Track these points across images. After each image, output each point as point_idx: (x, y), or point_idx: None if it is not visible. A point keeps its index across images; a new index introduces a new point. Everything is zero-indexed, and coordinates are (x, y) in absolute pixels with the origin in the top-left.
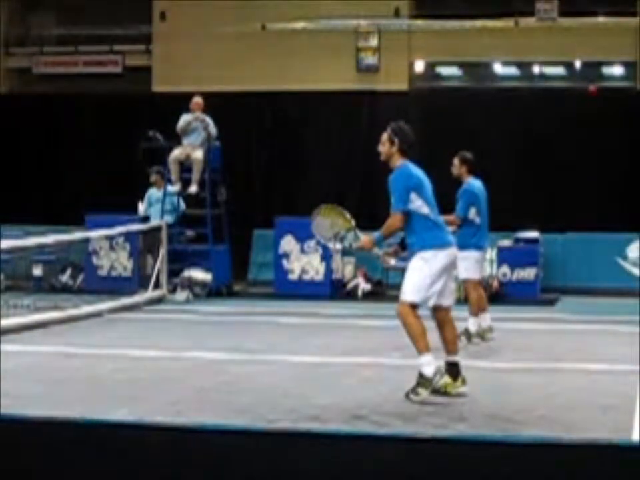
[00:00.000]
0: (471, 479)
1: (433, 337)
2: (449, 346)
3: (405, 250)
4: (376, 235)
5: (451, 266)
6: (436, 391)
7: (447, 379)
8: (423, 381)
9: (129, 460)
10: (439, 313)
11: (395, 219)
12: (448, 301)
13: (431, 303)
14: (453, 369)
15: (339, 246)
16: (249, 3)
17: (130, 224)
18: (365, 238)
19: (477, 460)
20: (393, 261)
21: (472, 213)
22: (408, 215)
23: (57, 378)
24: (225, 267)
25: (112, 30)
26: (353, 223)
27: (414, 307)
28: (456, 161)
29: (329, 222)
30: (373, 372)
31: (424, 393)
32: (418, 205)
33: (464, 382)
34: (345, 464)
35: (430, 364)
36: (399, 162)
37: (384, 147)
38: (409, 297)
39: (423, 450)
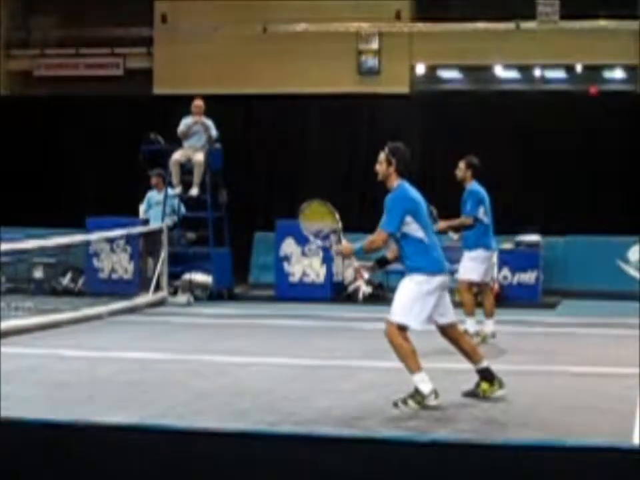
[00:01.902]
0: None
1: (434, 341)
2: (472, 357)
3: (381, 267)
4: (357, 246)
5: (443, 289)
6: (474, 395)
7: (484, 385)
8: (417, 395)
9: (129, 463)
10: (444, 330)
11: (379, 237)
12: (447, 318)
13: (419, 326)
14: (486, 375)
15: (319, 243)
16: (250, 5)
17: (131, 226)
18: (345, 244)
19: (478, 463)
20: (366, 275)
21: (481, 212)
22: (403, 237)
23: (57, 380)
24: (225, 269)
25: (113, 32)
26: (340, 225)
27: (402, 328)
28: (462, 165)
29: (319, 218)
30: (374, 375)
31: (413, 406)
32: (413, 228)
33: (501, 385)
34: (345, 467)
35: (425, 381)
36: (396, 182)
37: (381, 167)
38: (396, 318)
39: (424, 453)
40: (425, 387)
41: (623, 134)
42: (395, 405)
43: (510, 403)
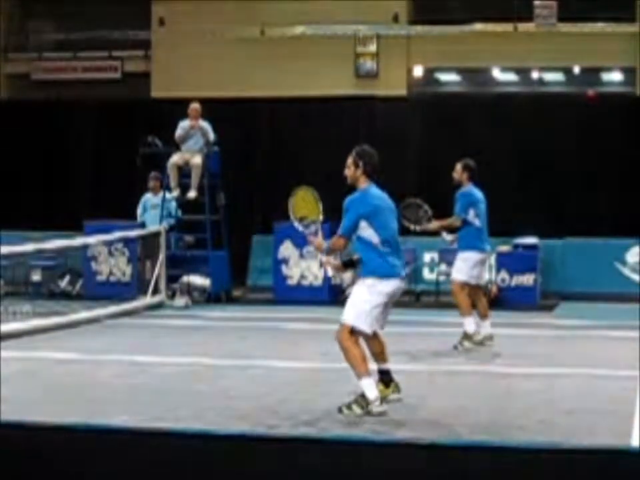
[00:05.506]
0: None
1: (434, 342)
2: (379, 357)
3: (345, 268)
4: (325, 244)
5: (393, 296)
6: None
7: (380, 387)
8: (361, 400)
9: (128, 466)
10: (370, 337)
11: (338, 241)
12: (378, 325)
13: (369, 329)
14: (384, 377)
15: (300, 228)
16: (247, 8)
17: (128, 230)
18: (320, 240)
19: (476, 466)
20: (331, 272)
21: (471, 214)
22: (358, 240)
23: (56, 384)
24: (223, 272)
25: (111, 35)
26: (321, 218)
27: (353, 331)
28: (458, 167)
29: (305, 206)
30: (372, 378)
31: (358, 411)
32: (368, 233)
33: (397, 388)
34: (344, 470)
35: (372, 387)
36: (363, 185)
37: (349, 171)
38: (348, 321)
39: (421, 456)
40: (371, 393)
41: (621, 136)
42: (340, 410)
43: (509, 405)
